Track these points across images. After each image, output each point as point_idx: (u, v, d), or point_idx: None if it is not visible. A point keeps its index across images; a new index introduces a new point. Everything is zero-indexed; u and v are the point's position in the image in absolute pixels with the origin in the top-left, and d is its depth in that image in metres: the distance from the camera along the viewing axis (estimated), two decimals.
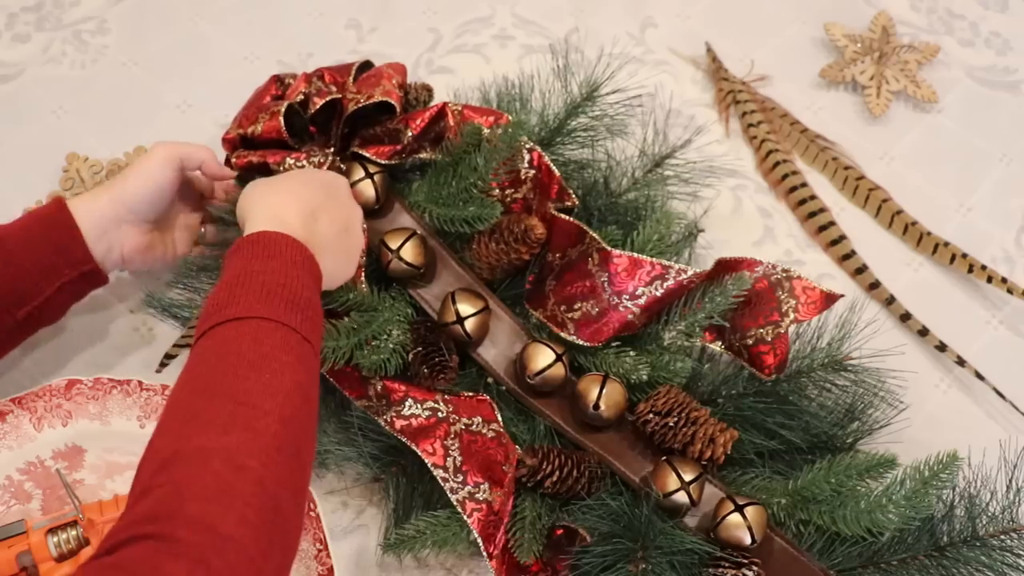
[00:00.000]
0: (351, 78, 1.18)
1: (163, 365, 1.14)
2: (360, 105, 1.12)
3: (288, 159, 1.10)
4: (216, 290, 0.85)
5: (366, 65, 1.21)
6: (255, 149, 1.13)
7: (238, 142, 1.15)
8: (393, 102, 1.13)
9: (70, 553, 0.95)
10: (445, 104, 1.14)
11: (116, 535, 0.67)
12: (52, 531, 0.95)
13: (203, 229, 1.16)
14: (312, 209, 0.95)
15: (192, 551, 0.66)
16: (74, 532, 0.95)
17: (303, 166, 1.10)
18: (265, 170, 1.11)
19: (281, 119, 1.11)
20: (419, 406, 1.04)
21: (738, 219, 1.31)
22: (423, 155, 1.15)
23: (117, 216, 1.06)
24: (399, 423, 1.04)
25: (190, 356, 0.81)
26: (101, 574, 0.65)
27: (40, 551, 0.94)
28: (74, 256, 1.03)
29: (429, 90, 1.22)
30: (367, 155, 1.13)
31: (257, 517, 0.70)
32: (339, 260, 0.99)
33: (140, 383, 1.08)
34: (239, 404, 0.76)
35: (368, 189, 1.11)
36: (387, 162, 1.13)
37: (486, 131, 1.12)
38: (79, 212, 1.03)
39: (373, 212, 1.13)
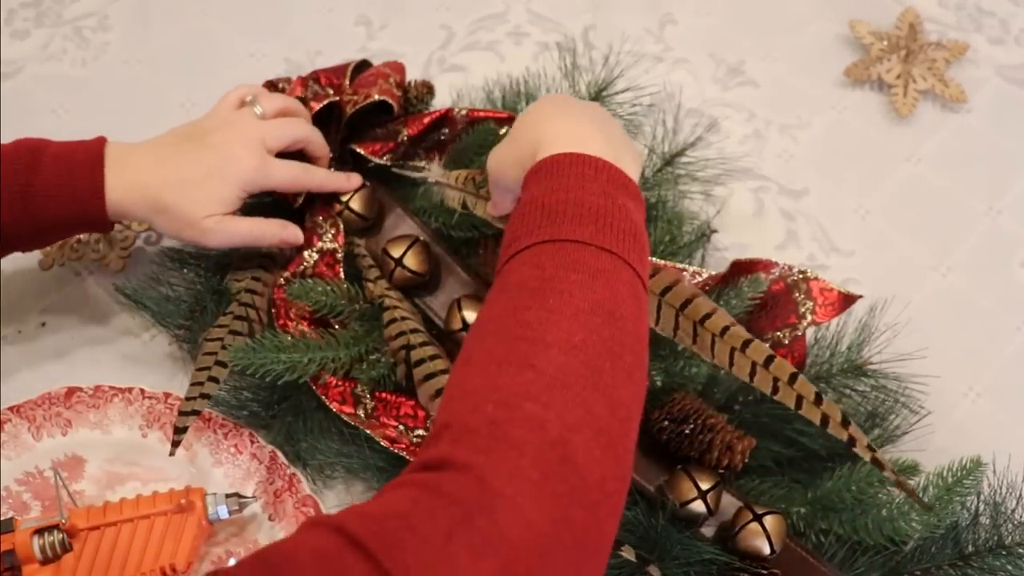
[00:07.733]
0: (347, 79, 1.17)
1: (175, 444, 0.99)
2: (358, 107, 1.11)
3: None
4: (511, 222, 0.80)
5: (363, 65, 1.21)
6: None
7: None
8: (390, 101, 1.12)
9: (54, 557, 0.93)
10: (449, 110, 1.13)
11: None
12: (39, 532, 0.93)
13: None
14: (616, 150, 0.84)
15: (458, 508, 0.61)
16: (60, 536, 0.93)
17: None
18: None
19: None
20: (409, 432, 1.02)
21: (760, 222, 1.28)
22: (417, 163, 1.14)
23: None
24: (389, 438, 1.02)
25: None
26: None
27: (24, 550, 0.92)
28: (93, 223, 1.02)
29: (430, 88, 1.21)
30: (362, 152, 1.12)
31: (534, 468, 0.63)
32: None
33: (142, 391, 1.06)
34: (516, 340, 0.70)
35: (349, 216, 1.11)
36: (379, 161, 1.12)
37: (503, 131, 1.11)
38: (113, 191, 1.00)
39: (365, 229, 1.12)
